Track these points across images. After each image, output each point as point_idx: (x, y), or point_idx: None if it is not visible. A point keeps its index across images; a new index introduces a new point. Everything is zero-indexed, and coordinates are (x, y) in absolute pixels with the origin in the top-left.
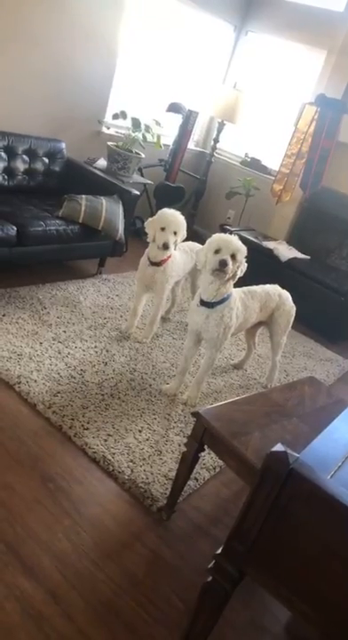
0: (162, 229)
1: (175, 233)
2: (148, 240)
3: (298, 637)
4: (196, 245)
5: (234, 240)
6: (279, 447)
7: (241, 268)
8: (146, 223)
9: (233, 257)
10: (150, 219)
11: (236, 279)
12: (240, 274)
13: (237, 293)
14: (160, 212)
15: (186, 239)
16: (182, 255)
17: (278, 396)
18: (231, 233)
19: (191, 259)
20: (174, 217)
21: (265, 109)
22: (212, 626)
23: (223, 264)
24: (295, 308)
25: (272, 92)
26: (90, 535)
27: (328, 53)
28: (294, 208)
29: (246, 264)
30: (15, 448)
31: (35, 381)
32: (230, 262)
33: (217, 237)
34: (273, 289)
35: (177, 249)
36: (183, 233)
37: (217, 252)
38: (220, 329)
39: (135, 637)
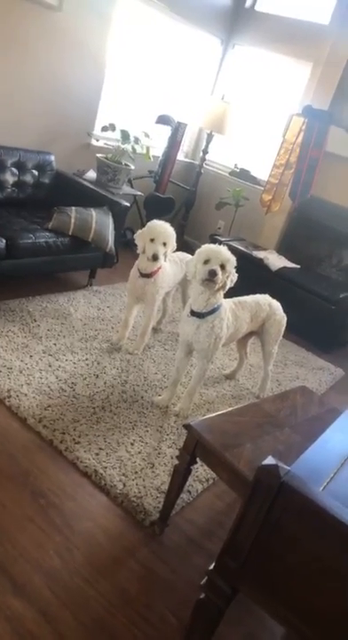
0: (152, 241)
1: (164, 244)
2: (138, 251)
3: None
4: (186, 256)
5: (223, 250)
6: (269, 460)
7: (231, 278)
8: (135, 235)
9: (223, 267)
10: (140, 230)
11: (226, 289)
12: (230, 284)
13: (227, 304)
14: (149, 223)
15: (177, 250)
16: (172, 266)
17: (270, 407)
18: (221, 243)
19: (181, 269)
20: (163, 228)
21: (254, 120)
22: None
23: (212, 274)
24: (285, 318)
25: (259, 103)
26: (82, 551)
27: (313, 65)
28: (283, 217)
29: (236, 274)
30: (5, 463)
31: (26, 395)
32: (219, 272)
33: (206, 248)
34: (264, 299)
35: (167, 260)
36: (173, 244)
37: (206, 262)
38: (211, 339)
39: None
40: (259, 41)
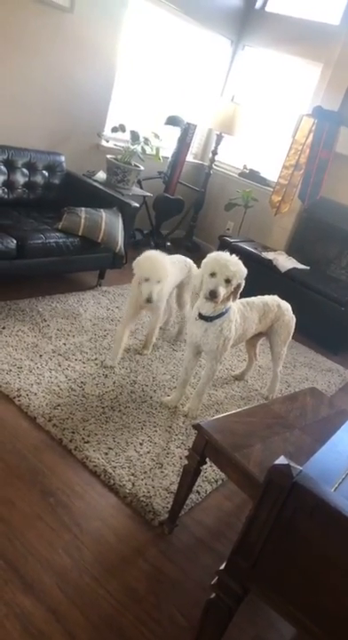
0: (213, 275)
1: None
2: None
3: None
4: (184, 259)
5: (232, 263)
6: (282, 460)
7: (239, 290)
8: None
9: (228, 281)
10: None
11: (234, 300)
12: (236, 296)
13: (236, 305)
14: (150, 257)
15: (184, 251)
16: (172, 268)
17: (279, 408)
18: (230, 244)
19: (180, 271)
20: (156, 264)
21: (263, 121)
22: None
23: (212, 295)
24: (295, 319)
25: (269, 104)
26: (91, 550)
27: (324, 66)
28: (293, 219)
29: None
30: (15, 462)
31: (35, 394)
32: (221, 291)
33: (212, 259)
34: (272, 300)
35: (169, 261)
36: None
37: (212, 274)
38: (220, 341)
39: None
40: (269, 42)
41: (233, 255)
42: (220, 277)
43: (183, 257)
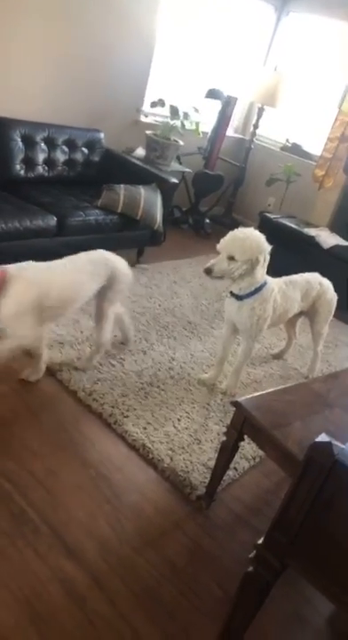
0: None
1: None
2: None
3: (341, 631)
4: (111, 261)
5: (234, 239)
6: (323, 437)
7: (257, 265)
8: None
9: (232, 258)
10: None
11: (262, 275)
12: (240, 273)
13: (277, 284)
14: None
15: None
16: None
17: (320, 387)
18: (271, 220)
19: (90, 277)
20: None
21: (307, 92)
22: (253, 616)
23: (207, 271)
24: (336, 297)
25: (314, 73)
26: (131, 522)
27: None
28: (337, 193)
29: (266, 259)
30: (58, 435)
31: (76, 369)
32: (215, 268)
33: (223, 239)
34: (314, 277)
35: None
36: None
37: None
38: (253, 320)
39: (176, 625)
40: (315, 6)
41: (250, 231)
42: (222, 255)
43: (105, 255)
